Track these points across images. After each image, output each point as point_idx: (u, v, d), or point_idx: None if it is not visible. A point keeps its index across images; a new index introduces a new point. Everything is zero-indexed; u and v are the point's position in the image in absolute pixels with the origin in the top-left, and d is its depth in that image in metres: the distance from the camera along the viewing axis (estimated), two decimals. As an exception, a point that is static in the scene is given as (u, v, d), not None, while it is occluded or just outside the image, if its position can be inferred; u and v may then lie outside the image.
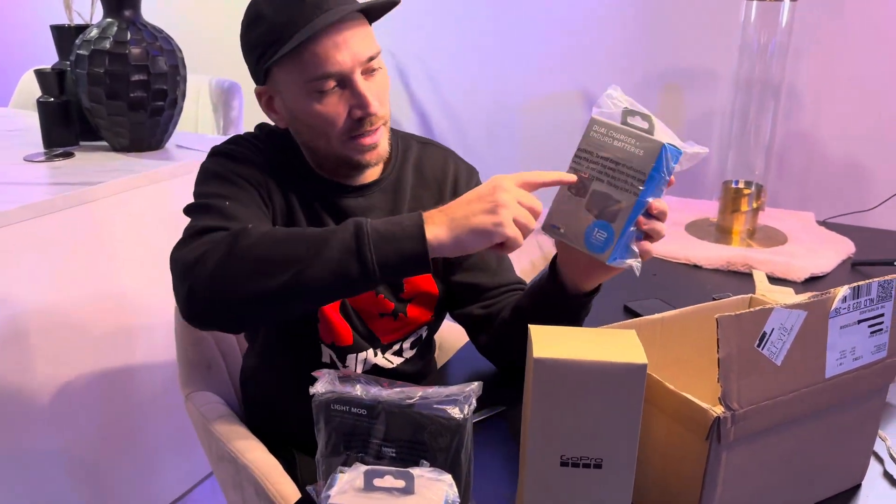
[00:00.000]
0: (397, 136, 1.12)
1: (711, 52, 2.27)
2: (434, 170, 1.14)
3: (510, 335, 1.06)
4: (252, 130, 1.08)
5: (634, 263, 0.84)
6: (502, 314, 1.07)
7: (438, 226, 0.81)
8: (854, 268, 1.67)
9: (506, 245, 0.81)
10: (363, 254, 0.80)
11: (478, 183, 1.16)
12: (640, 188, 0.81)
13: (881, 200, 1.98)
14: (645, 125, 0.85)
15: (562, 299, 0.97)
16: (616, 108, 0.86)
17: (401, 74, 2.63)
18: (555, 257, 0.98)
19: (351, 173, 1.05)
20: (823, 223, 1.90)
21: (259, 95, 1.02)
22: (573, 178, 0.86)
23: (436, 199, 1.12)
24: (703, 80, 2.31)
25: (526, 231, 0.81)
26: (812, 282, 1.55)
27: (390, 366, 1.13)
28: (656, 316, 0.93)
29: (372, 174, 1.07)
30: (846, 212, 2.00)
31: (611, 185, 0.83)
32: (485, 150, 2.58)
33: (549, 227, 0.87)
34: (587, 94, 2.47)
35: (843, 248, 1.71)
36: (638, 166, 0.82)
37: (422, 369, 1.18)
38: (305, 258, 0.80)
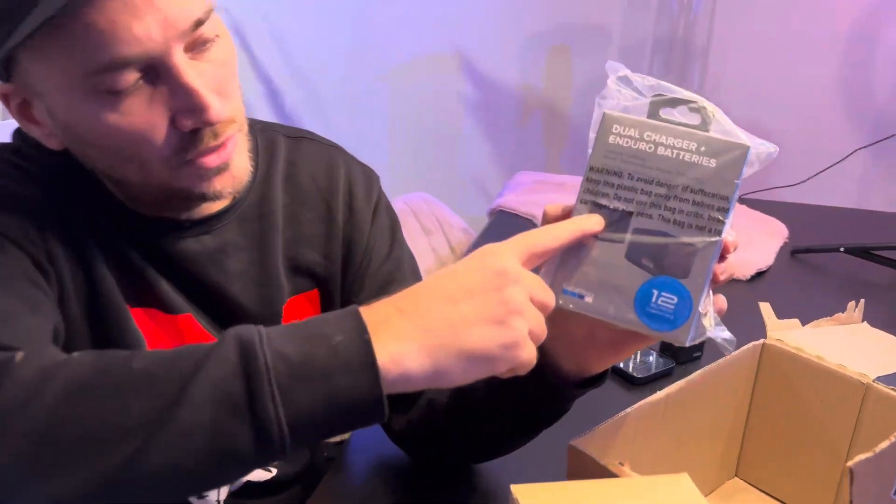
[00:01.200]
0: (255, 133, 0.76)
1: (602, 7, 2.03)
2: (315, 177, 0.79)
3: (443, 437, 0.73)
4: (8, 141, 0.67)
5: (726, 337, 0.54)
6: (424, 399, 0.74)
7: (401, 340, 0.46)
8: (794, 256, 1.48)
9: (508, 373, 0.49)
10: (260, 409, 0.44)
11: (380, 193, 0.82)
12: (723, 220, 0.52)
13: (807, 172, 1.82)
14: (693, 119, 0.54)
15: (546, 390, 0.64)
16: (631, 96, 0.55)
17: (239, 35, 2.22)
18: None
19: (187, 205, 0.68)
20: (745, 201, 1.71)
21: (3, 98, 0.62)
22: (600, 224, 0.54)
23: (324, 223, 0.77)
24: (595, 40, 2.07)
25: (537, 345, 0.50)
26: (757, 279, 1.35)
27: (267, 476, 0.77)
28: (660, 395, 0.64)
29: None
30: (768, 186, 1.83)
31: (667, 220, 0.53)
32: (348, 125, 2.23)
33: (560, 295, 0.54)
34: (464, 58, 2.18)
35: (777, 231, 1.54)
36: (713, 186, 0.52)
37: (306, 467, 0.83)
38: (149, 424, 0.43)
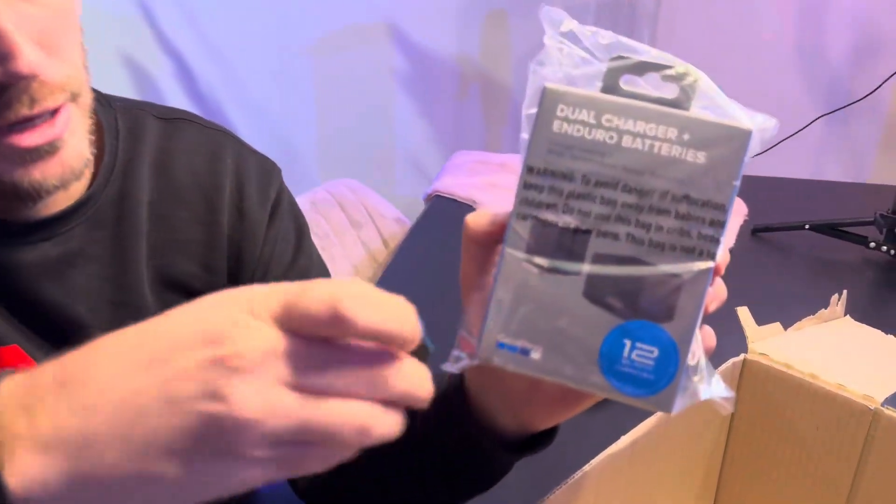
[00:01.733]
0: (114, 112, 0.63)
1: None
2: (194, 168, 0.64)
3: (355, 495, 0.60)
4: None
5: (725, 395, 0.39)
6: None
7: (46, 445, 0.30)
8: (755, 235, 1.37)
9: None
10: None
11: (280, 190, 0.68)
12: (717, 238, 0.37)
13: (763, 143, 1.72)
14: (668, 91, 0.39)
15: (471, 451, 0.50)
16: (579, 58, 0.40)
17: (142, 6, 2.02)
18: (459, 377, 0.50)
19: (12, 202, 0.54)
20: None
21: None
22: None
23: (204, 226, 0.63)
24: (534, 4, 1.92)
25: (300, 469, 0.32)
26: (719, 263, 1.24)
27: None
28: (624, 443, 0.50)
29: (67, 193, 0.57)
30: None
31: (639, 241, 0.38)
32: (272, 106, 2.06)
33: (494, 351, 0.39)
34: (396, 28, 2.02)
35: (736, 208, 1.42)
36: (703, 190, 0.37)
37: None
38: None
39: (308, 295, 0.29)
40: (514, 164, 1.63)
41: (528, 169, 0.38)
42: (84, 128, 0.52)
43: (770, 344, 0.64)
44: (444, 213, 1.44)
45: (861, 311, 0.73)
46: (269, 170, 0.68)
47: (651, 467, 0.54)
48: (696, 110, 0.38)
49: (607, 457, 0.49)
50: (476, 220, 0.40)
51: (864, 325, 0.75)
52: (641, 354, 0.37)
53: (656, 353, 0.37)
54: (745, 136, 0.36)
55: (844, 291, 0.77)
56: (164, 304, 0.62)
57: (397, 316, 0.30)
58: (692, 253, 0.37)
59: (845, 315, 0.77)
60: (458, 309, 0.42)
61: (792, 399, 0.59)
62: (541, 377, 0.38)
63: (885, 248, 1.28)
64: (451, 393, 0.50)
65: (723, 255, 0.38)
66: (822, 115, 1.60)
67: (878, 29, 1.94)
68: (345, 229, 1.20)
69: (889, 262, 1.28)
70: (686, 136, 0.37)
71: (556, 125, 0.38)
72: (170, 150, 0.63)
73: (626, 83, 0.39)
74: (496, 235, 0.40)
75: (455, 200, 1.49)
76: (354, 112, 2.08)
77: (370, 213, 1.35)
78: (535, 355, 0.38)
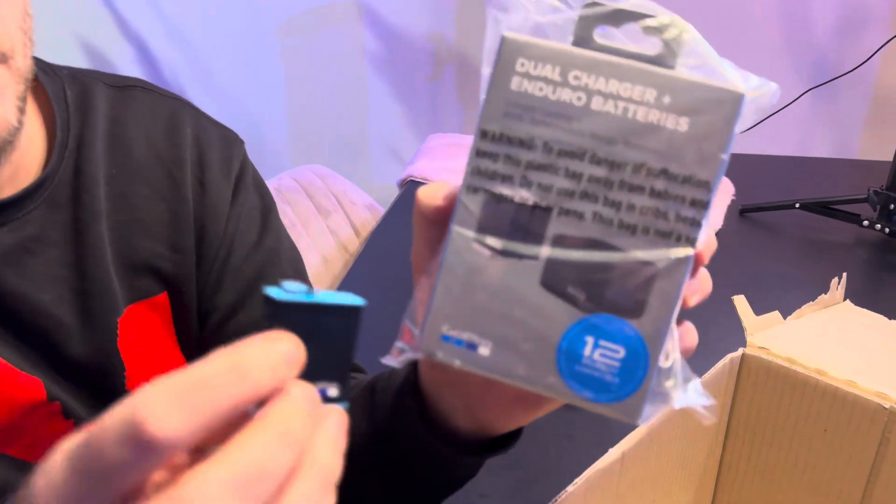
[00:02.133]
0: (61, 82, 0.58)
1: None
2: (152, 139, 0.60)
3: None
4: None
5: (704, 404, 0.34)
6: None
7: None
8: (744, 215, 1.32)
9: None
10: None
11: (244, 163, 0.64)
12: (699, 220, 0.32)
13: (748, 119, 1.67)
14: (649, 45, 0.33)
15: (428, 454, 0.45)
16: (548, 5, 0.34)
17: None
18: (414, 373, 0.46)
19: None
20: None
21: None
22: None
23: (169, 203, 0.59)
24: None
25: None
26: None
27: None
28: (613, 456, 0.45)
29: (16, 174, 0.53)
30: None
31: (608, 221, 0.33)
32: (239, 91, 1.99)
33: (438, 344, 0.34)
34: (367, 7, 1.95)
35: (723, 187, 1.37)
36: (685, 164, 0.32)
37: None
38: None
39: (205, 401, 0.22)
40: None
41: (482, 134, 0.33)
42: (13, 93, 0.47)
43: (770, 336, 0.59)
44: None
45: (857, 294, 0.69)
46: (230, 140, 0.63)
47: (642, 479, 0.48)
48: (681, 70, 0.32)
49: (595, 472, 0.43)
50: (428, 194, 0.35)
51: (866, 311, 0.71)
52: (605, 354, 0.32)
53: (622, 352, 0.32)
54: (736, 100, 0.31)
55: (844, 275, 0.73)
56: (134, 290, 0.57)
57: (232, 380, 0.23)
58: (669, 237, 0.32)
59: (845, 300, 0.72)
60: (388, 309, 0.36)
61: (797, 398, 0.53)
62: (489, 376, 0.33)
63: (878, 226, 1.24)
64: (407, 390, 0.45)
65: (707, 241, 0.33)
66: (809, 90, 1.55)
67: (864, 2, 1.89)
68: (311, 218, 1.13)
69: (883, 240, 1.24)
70: (667, 99, 0.32)
71: (514, 82, 0.32)
72: (124, 121, 0.58)
73: (602, 36, 0.33)
74: (450, 211, 0.34)
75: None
76: (325, 95, 2.01)
77: (339, 200, 1.28)
78: (484, 351, 0.33)
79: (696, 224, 0.31)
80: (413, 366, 0.45)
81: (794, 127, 1.89)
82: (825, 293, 0.72)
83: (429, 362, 0.42)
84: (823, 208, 1.28)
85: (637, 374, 0.32)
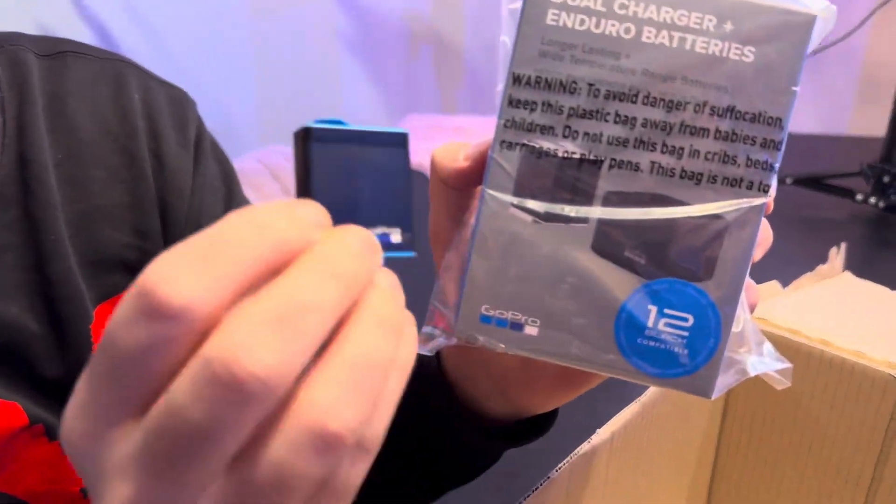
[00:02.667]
0: None
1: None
2: (98, 111, 0.53)
3: None
4: None
5: (780, 368, 0.31)
6: None
7: None
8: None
9: None
10: None
11: (200, 126, 0.58)
12: (773, 163, 0.28)
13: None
14: None
15: (458, 439, 0.42)
16: None
17: None
18: (436, 357, 0.41)
19: None
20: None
21: None
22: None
23: (127, 183, 0.52)
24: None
25: None
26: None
27: None
28: (602, 437, 0.41)
29: None
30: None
31: (668, 171, 0.29)
32: (206, 76, 1.94)
33: (477, 327, 0.30)
34: (338, -15, 1.90)
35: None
36: (753, 100, 0.28)
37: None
38: None
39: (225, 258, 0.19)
40: (470, 127, 1.53)
41: (515, 79, 0.29)
42: None
43: (769, 306, 0.55)
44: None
45: (854, 269, 0.67)
46: (181, 101, 0.57)
47: (633, 464, 0.43)
48: None
49: (580, 458, 0.38)
50: (446, 156, 0.31)
51: (866, 282, 0.67)
52: (672, 324, 0.29)
53: (691, 320, 0.29)
54: (807, 24, 0.28)
55: (843, 244, 0.69)
56: (101, 288, 0.52)
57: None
58: (739, 185, 0.29)
59: (844, 271, 0.69)
60: (413, 288, 0.32)
61: (800, 371, 0.49)
62: (540, 358, 0.30)
63: (872, 200, 1.21)
64: (429, 374, 0.41)
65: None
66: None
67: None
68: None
69: (878, 215, 1.21)
70: (728, 27, 0.28)
71: (550, 16, 0.29)
72: (63, 95, 0.52)
73: None
74: (474, 174, 0.31)
75: (406, 168, 1.40)
76: (297, 78, 1.96)
77: (309, 182, 1.24)
78: (531, 330, 0.30)
79: (770, 168, 0.28)
80: (437, 360, 0.41)
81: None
82: (824, 265, 0.69)
83: (457, 346, 0.39)
84: (816, 183, 1.24)
85: (708, 343, 0.29)
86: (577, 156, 0.29)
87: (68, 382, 0.50)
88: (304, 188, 0.36)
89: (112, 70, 0.55)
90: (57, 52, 0.54)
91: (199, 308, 0.19)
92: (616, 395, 0.43)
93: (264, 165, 1.19)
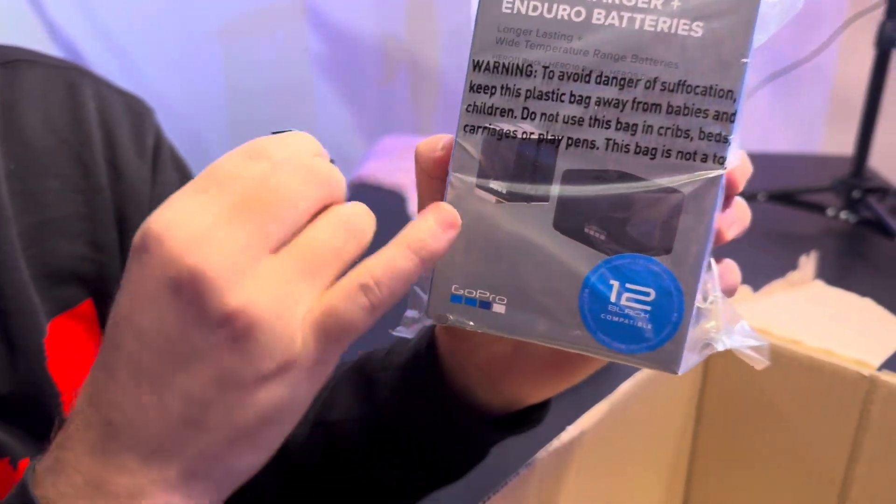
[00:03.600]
0: None
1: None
2: (51, 119, 0.53)
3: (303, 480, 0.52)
4: None
5: (754, 344, 0.32)
6: None
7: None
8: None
9: None
10: None
11: (158, 134, 0.58)
12: (726, 136, 0.30)
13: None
14: None
15: (449, 431, 0.43)
16: None
17: None
18: (427, 346, 0.43)
19: None
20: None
21: None
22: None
23: (82, 193, 0.53)
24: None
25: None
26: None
27: None
28: (571, 433, 0.42)
29: None
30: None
31: (624, 147, 0.31)
32: (177, 98, 1.94)
33: (447, 307, 0.32)
34: (311, 6, 1.92)
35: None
36: (704, 74, 0.30)
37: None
38: None
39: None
40: (445, 146, 1.55)
41: (474, 65, 0.31)
42: None
43: (740, 310, 0.56)
44: (367, 202, 1.35)
45: (827, 282, 0.69)
46: (139, 110, 0.57)
47: (606, 463, 0.44)
48: None
49: (549, 454, 0.39)
50: (426, 146, 0.33)
51: (837, 289, 0.69)
52: (634, 298, 0.30)
53: (653, 294, 0.30)
54: None
55: (812, 252, 0.72)
56: (56, 302, 0.51)
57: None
58: (694, 158, 0.30)
59: (815, 279, 0.71)
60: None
61: (771, 371, 0.50)
62: (508, 336, 0.31)
63: (843, 215, 1.24)
64: (420, 364, 0.42)
65: (740, 161, 0.31)
66: (768, 79, 1.56)
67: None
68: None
69: (849, 230, 1.24)
70: (676, 3, 0.30)
71: (505, 5, 0.30)
72: (15, 104, 0.52)
73: None
74: (444, 159, 0.33)
75: (380, 188, 1.41)
76: (269, 100, 1.97)
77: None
78: (499, 308, 0.31)
79: (724, 140, 0.29)
80: (426, 338, 0.43)
81: (755, 122, 1.90)
82: (794, 272, 0.71)
83: (445, 331, 0.40)
84: (789, 199, 1.27)
85: (671, 317, 0.30)
86: (535, 136, 0.30)
87: (18, 398, 0.50)
88: None
89: (66, 78, 0.55)
90: (9, 60, 0.54)
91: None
92: (587, 393, 0.44)
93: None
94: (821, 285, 0.69)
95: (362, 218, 0.28)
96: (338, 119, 2.02)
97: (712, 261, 0.31)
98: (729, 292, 0.33)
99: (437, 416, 0.42)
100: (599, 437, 0.43)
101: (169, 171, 0.58)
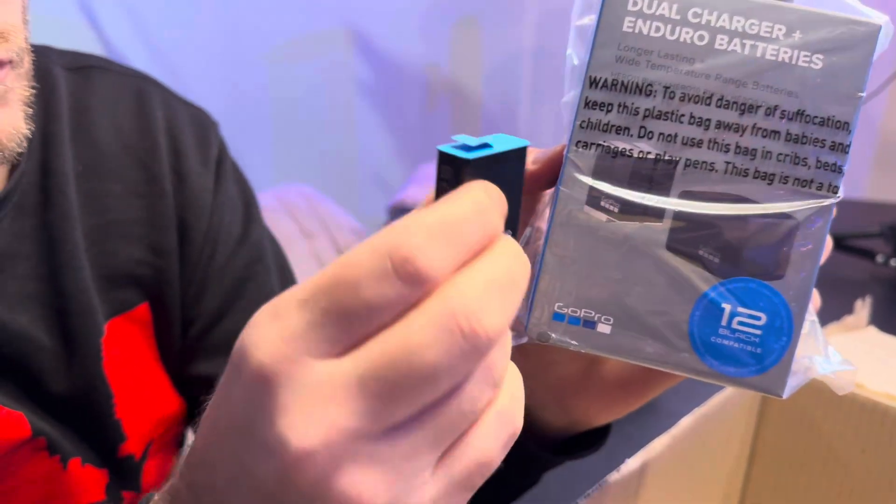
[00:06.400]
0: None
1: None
2: (120, 126, 0.54)
3: None
4: None
5: (845, 368, 0.33)
6: None
7: None
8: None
9: None
10: None
11: (221, 146, 0.60)
12: (841, 165, 0.31)
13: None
14: None
15: (517, 458, 0.42)
16: None
17: (85, 10, 1.95)
18: None
19: None
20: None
21: None
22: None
23: (145, 199, 0.54)
24: (506, 11, 1.88)
25: None
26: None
27: None
28: (632, 467, 0.41)
29: None
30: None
31: (741, 171, 0.31)
32: (224, 119, 1.95)
33: (548, 323, 0.31)
34: (358, 35, 1.95)
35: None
36: (821, 104, 0.31)
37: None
38: None
39: (344, 297, 0.22)
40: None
41: (591, 82, 0.31)
42: (20, 97, 0.42)
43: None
44: (408, 226, 1.36)
45: (891, 332, 0.67)
46: (204, 123, 0.59)
47: (661, 497, 0.43)
48: (807, 3, 0.31)
49: (608, 486, 0.38)
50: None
51: (892, 336, 0.68)
52: (745, 322, 0.30)
53: (764, 319, 0.30)
54: (873, 33, 0.30)
55: (868, 296, 0.70)
56: (113, 304, 0.52)
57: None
58: (810, 186, 0.30)
59: (869, 325, 0.70)
60: None
61: (831, 414, 0.49)
62: (612, 357, 0.31)
63: (893, 262, 1.22)
64: None
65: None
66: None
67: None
68: (294, 239, 1.10)
69: (898, 277, 1.21)
70: (798, 35, 0.30)
71: (627, 23, 0.31)
72: (87, 109, 0.53)
73: None
74: (543, 177, 0.33)
75: (421, 214, 1.41)
76: (314, 125, 1.99)
77: (325, 222, 1.25)
78: (604, 328, 0.31)
79: (838, 170, 0.30)
80: None
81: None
82: (850, 316, 0.70)
83: (517, 350, 0.40)
84: (837, 245, 1.25)
85: (780, 341, 0.30)
86: (651, 155, 0.30)
87: (73, 397, 0.50)
88: None
89: (135, 86, 0.56)
90: (82, 66, 0.56)
91: (442, 278, 0.22)
92: (628, 432, 0.43)
93: (281, 203, 1.21)
94: (875, 331, 0.67)
95: (516, 413, 0.26)
96: (380, 145, 2.04)
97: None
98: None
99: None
100: (657, 471, 0.42)
101: (230, 183, 0.58)
